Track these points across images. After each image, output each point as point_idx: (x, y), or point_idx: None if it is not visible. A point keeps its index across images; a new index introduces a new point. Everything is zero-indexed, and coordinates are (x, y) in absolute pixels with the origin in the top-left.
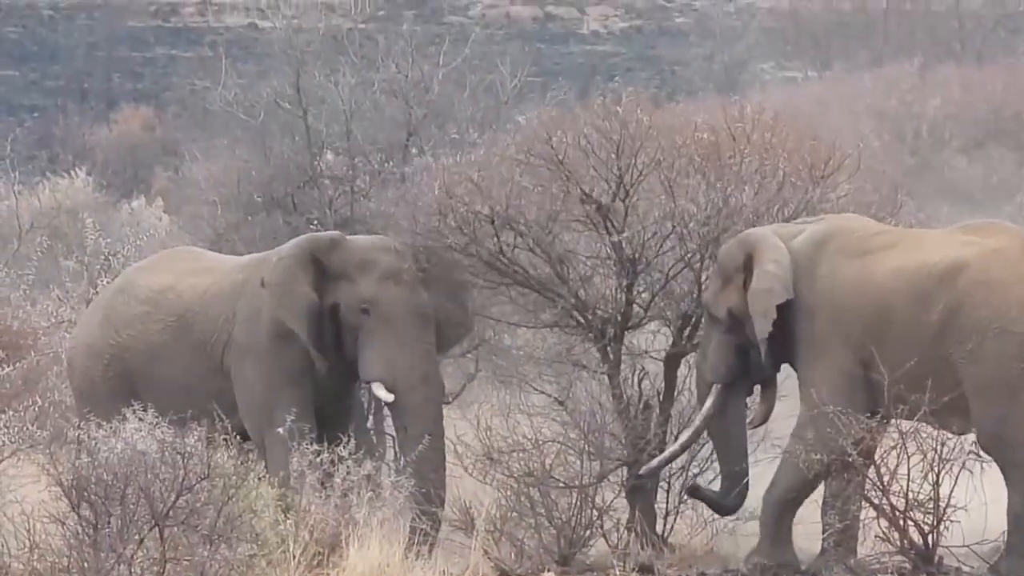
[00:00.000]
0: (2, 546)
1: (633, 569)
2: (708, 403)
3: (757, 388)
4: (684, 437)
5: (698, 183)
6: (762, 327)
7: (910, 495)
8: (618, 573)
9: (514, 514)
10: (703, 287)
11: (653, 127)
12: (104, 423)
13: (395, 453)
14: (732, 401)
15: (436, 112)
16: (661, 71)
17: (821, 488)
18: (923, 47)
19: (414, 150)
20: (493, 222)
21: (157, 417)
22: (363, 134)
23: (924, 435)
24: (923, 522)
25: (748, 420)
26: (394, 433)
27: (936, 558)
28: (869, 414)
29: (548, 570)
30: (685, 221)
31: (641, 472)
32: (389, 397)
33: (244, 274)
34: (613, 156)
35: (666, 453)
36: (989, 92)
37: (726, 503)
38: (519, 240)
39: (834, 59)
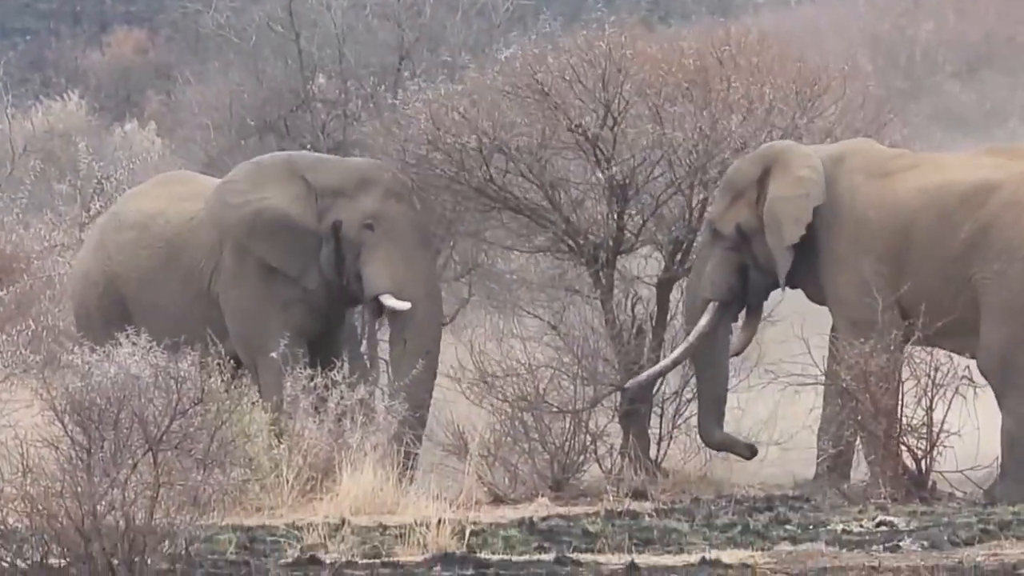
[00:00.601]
0: None
1: (626, 494)
2: (704, 320)
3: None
4: (676, 353)
5: (685, 110)
6: (792, 232)
7: (903, 420)
8: (611, 498)
9: (508, 439)
10: (694, 212)
11: (639, 55)
12: (99, 348)
13: (389, 378)
14: (723, 322)
15: (428, 35)
16: None
17: (817, 412)
18: None
19: (406, 74)
20: (482, 152)
21: (151, 342)
22: (355, 57)
23: (918, 360)
24: (916, 447)
25: None
26: (387, 357)
27: (929, 483)
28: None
29: (542, 495)
30: (673, 148)
31: (627, 385)
32: (405, 305)
33: None
34: (599, 86)
35: (656, 368)
36: (982, 16)
37: (718, 437)
38: (510, 166)
39: None
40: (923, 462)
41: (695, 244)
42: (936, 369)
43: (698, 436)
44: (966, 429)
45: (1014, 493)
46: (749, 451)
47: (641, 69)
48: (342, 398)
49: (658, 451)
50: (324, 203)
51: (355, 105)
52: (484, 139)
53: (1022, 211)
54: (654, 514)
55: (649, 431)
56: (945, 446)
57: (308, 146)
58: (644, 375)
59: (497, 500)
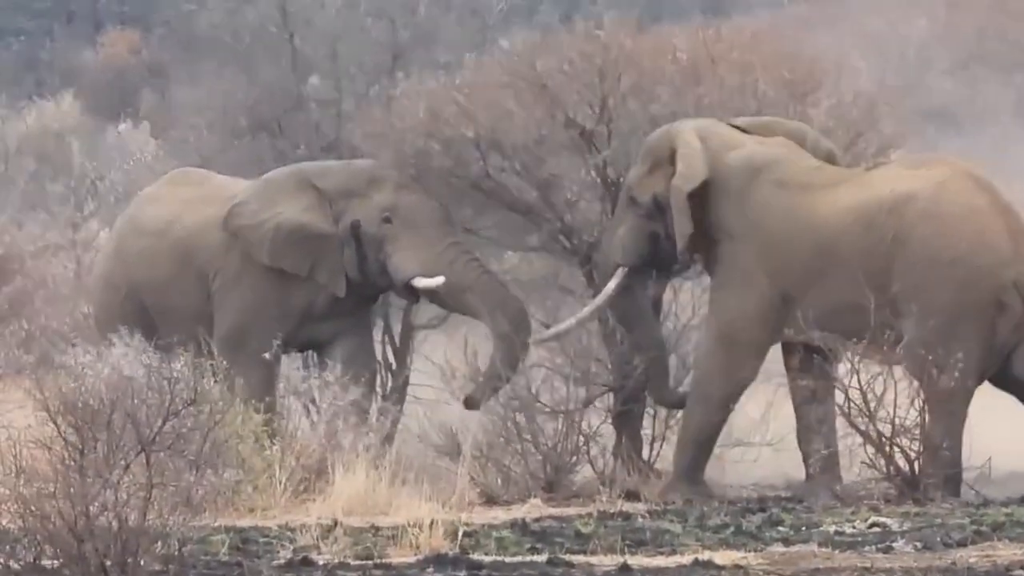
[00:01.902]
0: None
1: (619, 495)
2: (612, 283)
3: None
4: (584, 312)
5: (678, 105)
6: (682, 226)
7: (896, 422)
8: (604, 499)
9: (500, 439)
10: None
11: (635, 51)
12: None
13: (382, 380)
14: (637, 286)
15: (422, 34)
16: None
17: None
18: None
19: (400, 73)
20: (479, 145)
21: (152, 342)
22: (349, 57)
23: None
24: (909, 448)
25: None
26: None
27: (921, 484)
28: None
29: (534, 496)
30: None
31: (536, 340)
32: (437, 280)
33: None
34: (596, 81)
35: (562, 325)
36: (975, 12)
37: (670, 398)
38: (505, 163)
39: None
40: (915, 463)
41: (619, 201)
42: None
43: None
44: None
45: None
46: None
47: (636, 65)
48: (334, 399)
49: (651, 452)
50: (338, 207)
51: (349, 104)
52: (481, 131)
53: (940, 221)
54: (647, 515)
55: (642, 432)
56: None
57: (301, 146)
58: (550, 331)
59: (490, 501)
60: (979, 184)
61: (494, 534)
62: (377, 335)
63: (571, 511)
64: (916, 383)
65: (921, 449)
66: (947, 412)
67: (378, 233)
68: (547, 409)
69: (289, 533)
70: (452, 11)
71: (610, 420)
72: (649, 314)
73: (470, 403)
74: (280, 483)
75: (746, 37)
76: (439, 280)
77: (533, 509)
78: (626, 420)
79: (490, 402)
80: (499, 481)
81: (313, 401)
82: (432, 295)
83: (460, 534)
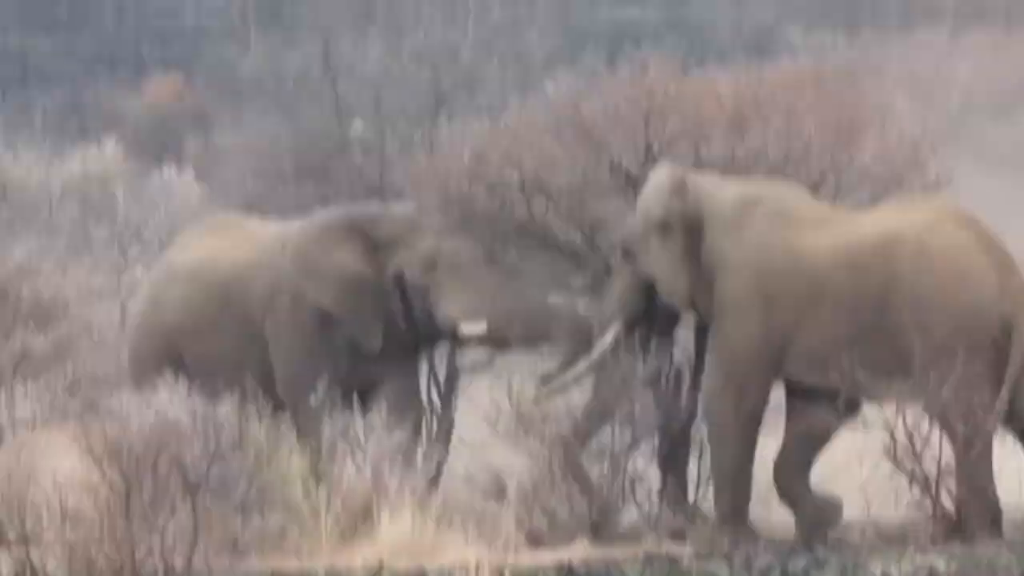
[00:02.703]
0: (34, 516)
1: (665, 537)
2: (607, 338)
3: None
4: (579, 368)
5: (724, 149)
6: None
7: (942, 463)
8: (650, 541)
9: (546, 482)
10: None
11: (680, 95)
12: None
13: (428, 423)
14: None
15: (465, 79)
16: (690, 36)
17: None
18: (952, 11)
19: (443, 118)
20: (523, 188)
21: (189, 387)
22: (392, 102)
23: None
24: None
25: None
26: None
27: (967, 525)
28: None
29: (580, 538)
30: None
31: (536, 399)
32: (479, 327)
33: (284, 244)
34: (641, 125)
35: (557, 383)
36: (1018, 56)
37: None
38: (550, 206)
39: (863, 24)
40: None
41: (619, 255)
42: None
43: None
44: (1004, 471)
45: None
46: None
47: (682, 109)
48: (380, 442)
49: (696, 494)
50: (384, 255)
51: (392, 148)
52: (526, 175)
53: (930, 260)
54: (693, 558)
55: (688, 473)
56: None
57: (345, 190)
58: (549, 388)
59: (535, 543)
60: (966, 223)
61: None
62: (422, 378)
63: (617, 553)
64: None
65: (963, 489)
66: (984, 451)
67: (423, 282)
68: (593, 451)
69: None
70: (495, 55)
71: (656, 462)
72: (632, 383)
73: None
74: (326, 526)
75: (790, 80)
76: (481, 327)
77: (579, 551)
78: (671, 462)
79: (535, 444)
80: (545, 523)
81: (359, 444)
82: (482, 339)
83: None
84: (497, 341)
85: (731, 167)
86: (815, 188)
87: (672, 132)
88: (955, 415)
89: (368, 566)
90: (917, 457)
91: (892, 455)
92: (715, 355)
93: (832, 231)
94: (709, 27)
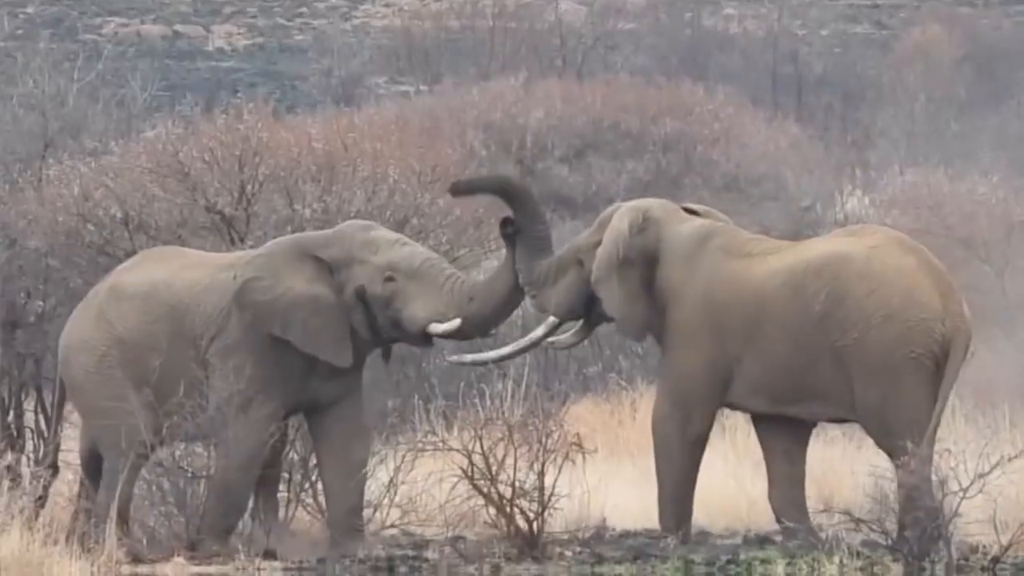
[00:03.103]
0: None
1: (257, 554)
2: (539, 331)
3: None
4: (506, 350)
5: (313, 191)
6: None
7: (516, 484)
8: (243, 558)
9: (146, 503)
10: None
11: (273, 141)
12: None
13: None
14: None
15: (72, 124)
16: (282, 85)
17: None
18: (528, 63)
19: (51, 160)
20: (127, 225)
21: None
22: (2, 145)
23: (530, 427)
24: (529, 510)
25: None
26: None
27: (541, 544)
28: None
29: (178, 555)
30: (303, 227)
31: (452, 359)
32: (454, 324)
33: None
34: (236, 168)
35: (482, 356)
36: (589, 104)
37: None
38: (149, 243)
39: (444, 74)
40: (535, 523)
41: (563, 258)
42: (547, 436)
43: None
44: (575, 492)
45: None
46: None
47: (274, 154)
48: None
49: (287, 513)
50: (341, 276)
51: (1, 189)
52: (131, 212)
53: (873, 281)
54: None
55: (278, 496)
56: (555, 508)
57: None
58: (470, 357)
59: (136, 560)
60: (909, 247)
61: None
62: (30, 404)
63: (212, 569)
64: (536, 447)
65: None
66: (923, 466)
67: (384, 292)
68: (189, 473)
69: None
70: (99, 102)
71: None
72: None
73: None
74: None
75: (378, 128)
76: (455, 324)
77: (177, 568)
78: (262, 483)
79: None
80: (144, 541)
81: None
82: (452, 335)
83: None
84: (477, 327)
85: (320, 207)
86: (399, 228)
87: (264, 175)
88: (896, 430)
89: None
90: (493, 479)
91: (468, 477)
92: (663, 381)
93: (778, 257)
94: (300, 78)
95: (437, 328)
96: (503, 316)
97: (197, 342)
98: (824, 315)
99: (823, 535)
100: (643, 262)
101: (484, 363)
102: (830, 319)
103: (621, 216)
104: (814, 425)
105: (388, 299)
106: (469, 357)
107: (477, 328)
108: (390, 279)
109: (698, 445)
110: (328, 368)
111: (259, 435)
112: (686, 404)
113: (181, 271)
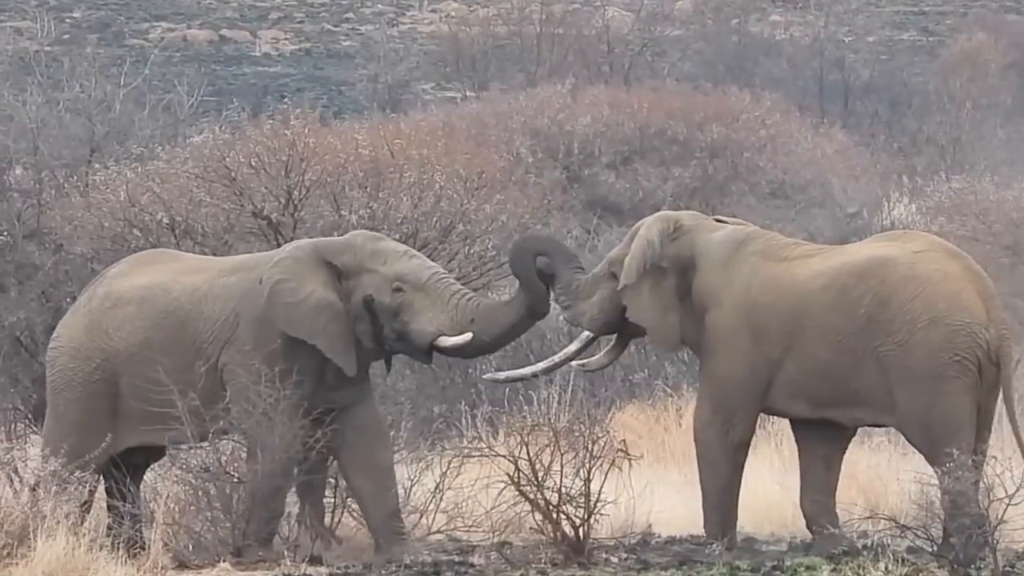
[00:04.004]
0: None
1: (303, 560)
2: (574, 346)
3: None
4: (540, 366)
5: (360, 197)
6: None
7: (563, 490)
8: (288, 563)
9: (191, 508)
10: None
11: (319, 147)
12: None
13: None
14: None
15: (118, 129)
16: (329, 91)
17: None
18: (574, 69)
19: (97, 165)
20: (174, 230)
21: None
22: (49, 150)
23: (576, 434)
24: (575, 515)
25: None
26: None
27: (587, 550)
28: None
29: (223, 560)
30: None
31: (486, 377)
32: (464, 338)
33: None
34: (282, 174)
35: (517, 372)
36: (635, 111)
37: None
38: (197, 249)
39: (491, 80)
40: (581, 529)
41: (596, 272)
42: (593, 442)
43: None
44: (621, 498)
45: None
46: None
47: (321, 159)
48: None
49: (332, 520)
50: (349, 284)
51: (48, 195)
52: (177, 218)
53: (919, 285)
54: None
55: (324, 500)
56: (601, 514)
57: (4, 234)
58: (503, 375)
59: (181, 566)
60: (952, 252)
61: None
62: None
63: (258, 574)
64: (582, 454)
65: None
66: (968, 472)
67: (392, 303)
68: (235, 478)
69: None
70: (146, 108)
71: (294, 489)
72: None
73: None
74: None
75: (424, 133)
76: (466, 338)
77: (222, 573)
78: (308, 488)
79: (181, 471)
80: (190, 547)
81: (16, 471)
82: (460, 350)
83: None
84: (477, 348)
85: (367, 212)
86: (446, 234)
87: (311, 180)
88: (938, 435)
89: None
90: (539, 485)
91: (514, 483)
92: (703, 387)
93: (819, 260)
94: (347, 84)
95: (446, 342)
96: (498, 345)
97: (203, 349)
98: (868, 318)
99: (867, 541)
100: (676, 271)
101: (519, 380)
102: (874, 322)
103: (650, 226)
104: (854, 432)
105: (396, 310)
106: (503, 375)
107: (475, 350)
108: (398, 290)
109: (740, 450)
110: (336, 376)
111: (288, 437)
112: (727, 409)
113: (178, 276)
